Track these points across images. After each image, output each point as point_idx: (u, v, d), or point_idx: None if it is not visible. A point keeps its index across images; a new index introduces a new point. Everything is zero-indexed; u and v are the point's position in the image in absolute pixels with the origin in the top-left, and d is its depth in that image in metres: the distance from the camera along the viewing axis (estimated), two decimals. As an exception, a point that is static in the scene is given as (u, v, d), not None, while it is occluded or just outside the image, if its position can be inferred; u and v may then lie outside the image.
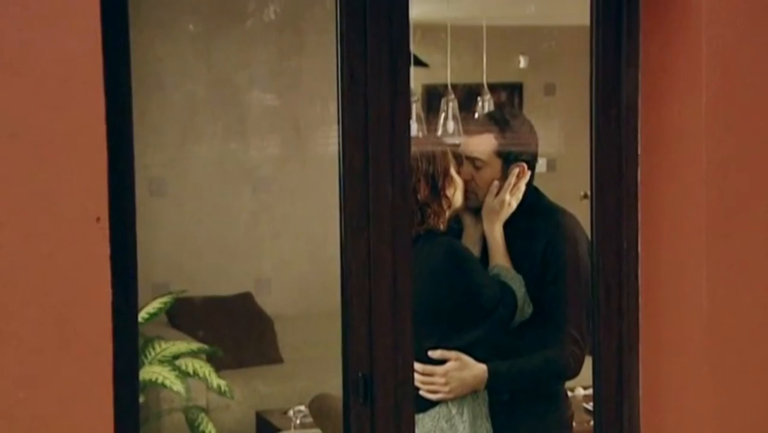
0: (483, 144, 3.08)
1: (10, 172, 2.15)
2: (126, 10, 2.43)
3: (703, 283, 2.63)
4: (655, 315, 2.78)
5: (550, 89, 7.18)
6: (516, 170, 3.12)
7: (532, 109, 7.29)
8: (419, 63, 6.08)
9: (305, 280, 6.29)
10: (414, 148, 2.71)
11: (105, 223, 2.21)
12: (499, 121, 3.12)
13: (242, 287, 6.13)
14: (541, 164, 6.99)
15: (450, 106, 4.75)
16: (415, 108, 4.67)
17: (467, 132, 3.27)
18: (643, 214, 2.76)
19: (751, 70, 2.65)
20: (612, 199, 2.76)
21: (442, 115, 4.78)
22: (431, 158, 2.96)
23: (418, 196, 2.94)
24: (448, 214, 3.05)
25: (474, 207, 3.15)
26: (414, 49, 3.35)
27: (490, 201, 3.08)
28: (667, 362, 2.76)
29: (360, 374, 2.59)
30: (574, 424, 3.39)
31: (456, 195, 3.05)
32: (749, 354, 2.68)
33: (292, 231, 6.23)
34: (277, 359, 5.86)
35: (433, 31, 6.38)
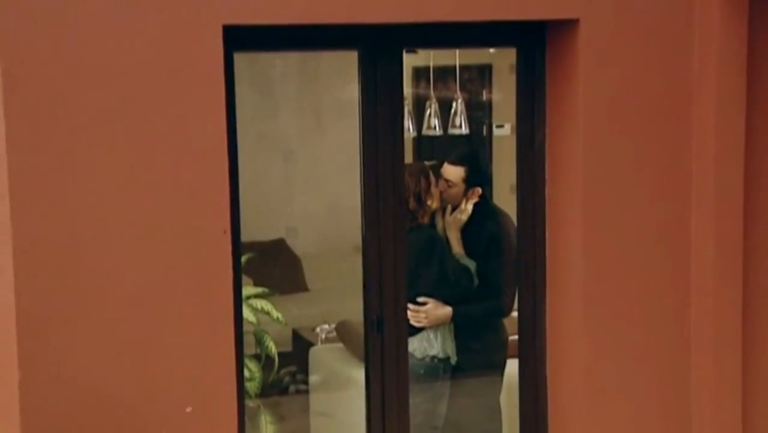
0: (456, 173, 4.48)
1: (169, 198, 3.43)
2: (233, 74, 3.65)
3: (580, 256, 3.93)
4: (555, 278, 4.10)
5: (513, 69, 8.24)
6: (472, 193, 4.50)
7: (500, 84, 8.29)
8: (410, 50, 7.26)
9: (324, 227, 7.47)
10: (406, 174, 4.05)
11: (229, 234, 3.51)
12: (469, 160, 4.50)
13: (277, 234, 7.33)
14: (506, 128, 8.72)
15: (432, 107, 6.03)
16: (406, 107, 5.92)
17: (449, 161, 4.66)
18: (548, 214, 4.09)
19: (610, 128, 3.91)
20: (530, 204, 4.09)
21: (427, 113, 6.09)
22: (417, 180, 4.33)
23: (409, 206, 4.30)
24: (428, 215, 4.44)
25: (445, 209, 4.56)
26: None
27: (449, 217, 4.50)
28: (562, 306, 4.08)
29: (375, 316, 3.95)
30: (508, 344, 4.77)
31: (433, 203, 4.44)
32: (610, 300, 3.98)
33: (312, 191, 7.43)
34: (304, 288, 7.07)
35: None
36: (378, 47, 3.85)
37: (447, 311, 4.46)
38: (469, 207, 4.50)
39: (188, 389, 3.51)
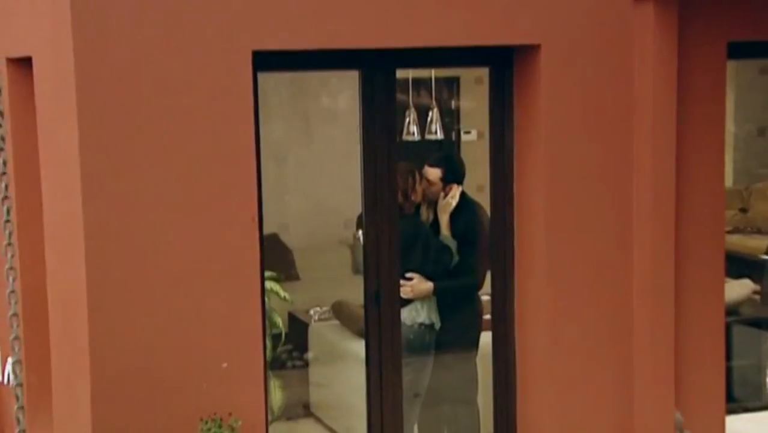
0: (435, 174, 5.22)
1: (208, 192, 4.11)
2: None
3: (543, 240, 4.66)
4: (522, 258, 4.82)
5: (478, 81, 8.50)
6: (453, 188, 5.24)
7: (467, 95, 8.95)
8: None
9: (312, 224, 8.15)
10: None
11: (256, 221, 4.20)
12: (446, 162, 5.23)
13: (271, 229, 7.97)
14: (473, 134, 9.57)
15: (411, 115, 6.75)
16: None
17: (429, 164, 5.39)
18: (516, 205, 4.82)
19: (568, 133, 4.63)
20: (501, 197, 4.81)
21: (406, 122, 6.80)
22: (405, 179, 5.07)
23: (399, 200, 5.03)
24: (413, 207, 5.18)
25: (426, 202, 5.29)
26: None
27: (441, 202, 5.22)
28: (528, 281, 4.79)
29: (373, 290, 4.65)
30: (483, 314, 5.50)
31: (417, 198, 5.18)
32: (568, 274, 4.68)
33: (301, 191, 8.10)
34: (296, 277, 7.74)
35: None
36: (375, 67, 4.55)
37: (429, 285, 5.21)
38: (458, 195, 5.25)
39: (224, 349, 4.18)
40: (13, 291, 3.34)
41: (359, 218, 4.69)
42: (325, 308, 6.62)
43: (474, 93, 8.91)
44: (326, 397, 6.17)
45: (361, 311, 5.15)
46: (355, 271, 8.25)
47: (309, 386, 6.20)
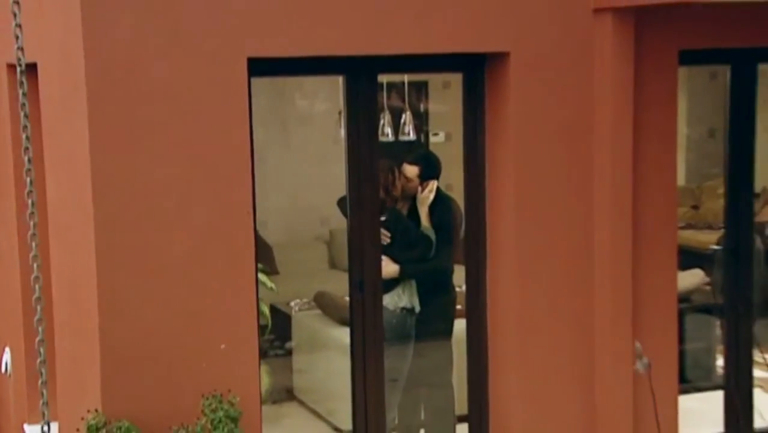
0: (412, 171, 5.57)
1: (209, 187, 4.43)
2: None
3: (513, 232, 5.03)
4: (494, 249, 5.18)
5: (446, 85, 9.07)
6: (430, 183, 5.59)
7: (435, 98, 9.27)
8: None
9: (289, 221, 8.46)
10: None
11: (251, 215, 4.53)
12: (422, 161, 5.59)
13: None
14: (441, 136, 9.99)
15: (386, 117, 7.08)
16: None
17: (408, 162, 5.74)
18: (488, 201, 5.17)
19: (535, 134, 4.99)
20: (474, 193, 5.17)
21: (381, 123, 7.13)
22: (386, 176, 5.42)
23: (381, 195, 5.38)
24: (393, 201, 5.53)
25: (404, 197, 5.65)
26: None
27: (420, 196, 5.58)
28: (498, 269, 5.14)
29: (357, 279, 4.99)
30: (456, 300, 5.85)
31: (397, 192, 5.52)
32: (535, 265, 5.05)
33: (278, 191, 8.38)
34: (276, 271, 8.03)
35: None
36: (359, 72, 4.90)
37: (395, 267, 5.58)
38: (435, 189, 5.62)
39: (222, 332, 4.50)
40: (37, 277, 3.61)
41: (341, 200, 5.00)
42: (305, 300, 6.94)
43: (442, 97, 9.22)
44: (309, 382, 6.50)
45: (343, 301, 5.50)
46: (332, 265, 8.58)
47: (292, 373, 6.51)
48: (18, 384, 6.04)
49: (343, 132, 6.10)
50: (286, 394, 6.53)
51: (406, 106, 7.22)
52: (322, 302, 6.56)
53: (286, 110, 8.70)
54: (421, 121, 9.07)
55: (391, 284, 5.56)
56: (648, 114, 5.18)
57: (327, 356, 6.28)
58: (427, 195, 5.67)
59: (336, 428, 6.14)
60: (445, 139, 9.15)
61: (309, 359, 6.59)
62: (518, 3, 4.89)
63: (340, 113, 7.37)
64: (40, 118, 5.06)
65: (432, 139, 8.99)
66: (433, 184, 5.69)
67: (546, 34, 4.95)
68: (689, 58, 5.35)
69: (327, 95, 8.47)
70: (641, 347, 2.95)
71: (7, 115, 5.88)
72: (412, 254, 5.60)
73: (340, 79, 7.21)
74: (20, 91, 3.66)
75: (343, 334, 6.06)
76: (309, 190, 8.17)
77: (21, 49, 3.65)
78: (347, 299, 5.02)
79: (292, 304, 7.16)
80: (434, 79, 9.07)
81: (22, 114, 3.66)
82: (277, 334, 6.97)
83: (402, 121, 7.09)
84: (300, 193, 8.20)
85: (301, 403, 6.41)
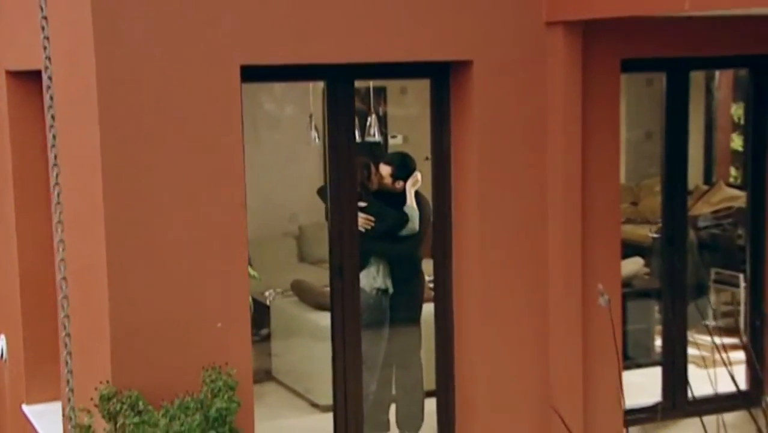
0: (387, 170, 6.06)
1: (205, 182, 4.86)
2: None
3: (476, 224, 5.53)
4: (459, 233, 5.66)
5: (404, 91, 9.61)
6: (416, 173, 6.07)
7: (393, 103, 9.73)
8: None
9: (260, 218, 8.81)
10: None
11: (244, 207, 4.97)
12: (396, 161, 6.05)
13: None
14: (399, 138, 10.56)
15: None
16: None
17: (383, 162, 6.22)
18: (454, 196, 5.65)
19: (496, 136, 5.49)
20: (441, 189, 5.64)
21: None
22: (362, 172, 5.88)
23: (357, 188, 5.85)
24: (368, 194, 5.99)
25: (377, 190, 6.11)
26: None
27: (412, 180, 6.08)
28: (462, 257, 5.61)
29: (337, 264, 5.44)
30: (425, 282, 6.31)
31: (372, 187, 5.99)
32: (495, 253, 5.55)
33: (250, 190, 8.74)
34: (249, 264, 8.39)
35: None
36: (338, 78, 5.36)
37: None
38: (420, 178, 6.11)
39: (219, 312, 4.93)
40: (62, 259, 4.03)
41: (321, 189, 5.38)
42: (278, 290, 7.37)
43: (399, 102, 9.68)
44: (287, 363, 6.93)
45: (319, 288, 5.94)
46: (300, 259, 9.00)
47: (270, 357, 6.93)
48: (15, 368, 6.39)
49: (313, 134, 6.63)
50: (265, 375, 6.95)
51: (371, 110, 7.68)
52: (299, 289, 7.01)
53: (257, 115, 9.10)
54: (381, 124, 9.51)
55: (364, 265, 6.00)
56: (595, 116, 5.70)
57: (304, 339, 6.72)
58: (417, 179, 6.18)
59: (313, 404, 6.57)
60: (403, 141, 9.59)
61: (286, 342, 7.01)
62: (480, 17, 5.39)
63: (310, 116, 7.88)
64: (43, 119, 5.45)
65: (391, 141, 9.42)
66: (418, 175, 6.18)
67: (505, 45, 5.45)
68: (630, 66, 5.86)
69: (295, 100, 8.88)
70: (603, 287, 3.52)
71: (6, 119, 6.26)
72: (394, 232, 6.00)
73: (310, 86, 7.71)
74: (47, 95, 4.09)
75: (320, 317, 6.53)
76: (278, 189, 8.59)
77: (48, 58, 4.08)
78: (325, 287, 5.37)
79: (267, 294, 7.56)
80: (392, 86, 9.50)
81: (48, 115, 4.09)
82: (252, 322, 7.34)
83: (367, 123, 7.53)
84: (270, 192, 8.59)
85: (280, 383, 6.84)
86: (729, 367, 3.18)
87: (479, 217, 5.51)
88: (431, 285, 6.14)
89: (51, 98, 4.09)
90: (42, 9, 4.04)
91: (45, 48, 4.05)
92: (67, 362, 4.10)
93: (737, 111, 10.29)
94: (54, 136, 4.08)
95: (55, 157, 4.10)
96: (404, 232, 6.09)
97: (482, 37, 5.42)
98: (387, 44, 5.25)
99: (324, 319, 6.26)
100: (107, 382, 4.67)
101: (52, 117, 4.08)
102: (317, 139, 7.92)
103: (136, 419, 4.34)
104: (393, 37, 5.25)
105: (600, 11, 5.23)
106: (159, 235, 4.81)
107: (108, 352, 4.73)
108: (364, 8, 5.15)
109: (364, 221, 5.69)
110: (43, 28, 4.03)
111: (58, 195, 4.12)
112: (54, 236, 4.22)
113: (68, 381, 4.09)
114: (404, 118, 9.37)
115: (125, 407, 4.50)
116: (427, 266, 6.19)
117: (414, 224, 6.12)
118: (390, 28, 5.23)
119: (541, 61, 5.53)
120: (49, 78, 4.06)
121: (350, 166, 5.44)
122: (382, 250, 6.06)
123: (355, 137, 5.47)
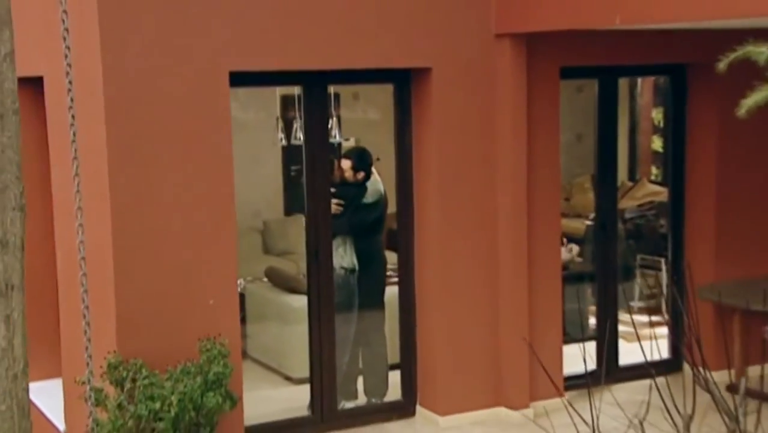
0: (347, 164, 6.58)
1: (200, 177, 5.38)
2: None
3: (436, 213, 6.15)
4: (420, 221, 6.25)
5: (356, 96, 10.11)
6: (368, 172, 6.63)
7: (345, 108, 10.22)
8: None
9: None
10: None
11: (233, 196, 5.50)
12: (354, 156, 6.60)
13: None
14: (351, 141, 11.12)
15: (298, 123, 8.03)
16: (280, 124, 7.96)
17: (344, 156, 6.73)
18: (415, 188, 6.27)
19: (453, 136, 6.11)
20: (403, 181, 6.23)
21: (295, 126, 8.06)
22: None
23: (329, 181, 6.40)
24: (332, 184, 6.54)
25: (339, 182, 6.64)
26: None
27: (373, 174, 6.55)
28: (423, 244, 6.23)
29: (314, 249, 6.00)
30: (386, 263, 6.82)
31: (335, 179, 6.52)
32: (452, 234, 6.17)
33: None
34: None
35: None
36: (313, 83, 5.93)
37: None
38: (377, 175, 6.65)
39: (211, 290, 5.46)
40: (82, 241, 4.53)
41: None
42: (249, 278, 7.86)
43: (352, 106, 10.19)
44: (261, 342, 7.43)
45: (289, 273, 6.45)
46: (265, 251, 9.49)
47: (245, 338, 7.38)
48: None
49: (280, 135, 7.16)
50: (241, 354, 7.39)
51: (333, 113, 8.20)
52: (272, 275, 7.53)
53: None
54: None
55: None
56: (538, 117, 6.34)
57: (278, 320, 7.24)
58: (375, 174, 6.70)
59: (287, 377, 7.08)
60: (355, 143, 10.10)
61: (260, 324, 7.51)
62: (438, 29, 6.00)
63: (277, 119, 8.37)
64: (38, 122, 5.93)
65: (344, 143, 9.93)
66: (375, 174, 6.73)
67: (460, 54, 6.07)
68: (567, 73, 6.50)
69: (262, 105, 9.35)
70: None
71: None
72: (361, 214, 6.42)
73: (276, 91, 8.21)
74: (68, 97, 4.59)
75: (292, 300, 7.06)
76: (243, 187, 9.04)
77: (69, 65, 4.57)
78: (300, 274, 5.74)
79: (240, 282, 8.03)
80: (345, 91, 10.03)
81: (69, 115, 4.59)
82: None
83: (329, 125, 8.04)
84: (236, 190, 9.04)
85: (255, 360, 7.33)
86: (653, 340, 3.40)
87: (438, 206, 6.09)
88: (392, 271, 6.72)
89: (72, 99, 4.59)
90: (63, 21, 4.54)
91: (66, 56, 4.54)
92: (85, 331, 4.60)
93: (657, 115, 11.00)
94: (74, 133, 4.58)
95: (75, 151, 4.58)
96: (366, 199, 6.51)
97: (440, 47, 6.01)
98: (357, 53, 5.83)
99: (297, 301, 6.84)
100: (114, 351, 5.16)
101: (73, 117, 4.57)
102: (284, 140, 8.40)
103: (146, 381, 4.84)
104: (362, 46, 5.83)
105: (542, 25, 5.87)
106: (159, 222, 5.31)
107: (114, 326, 5.22)
108: (338, 22, 5.73)
109: (335, 207, 6.18)
110: (64, 39, 4.52)
111: (78, 184, 4.62)
112: (75, 220, 4.70)
113: (87, 348, 4.59)
114: (356, 122, 9.83)
115: (131, 373, 4.99)
116: (390, 257, 6.72)
117: (377, 186, 6.50)
118: (360, 40, 5.81)
119: (491, 68, 6.14)
120: (70, 82, 4.56)
121: (323, 162, 6.00)
122: (351, 224, 6.42)
123: (328, 136, 6.01)
